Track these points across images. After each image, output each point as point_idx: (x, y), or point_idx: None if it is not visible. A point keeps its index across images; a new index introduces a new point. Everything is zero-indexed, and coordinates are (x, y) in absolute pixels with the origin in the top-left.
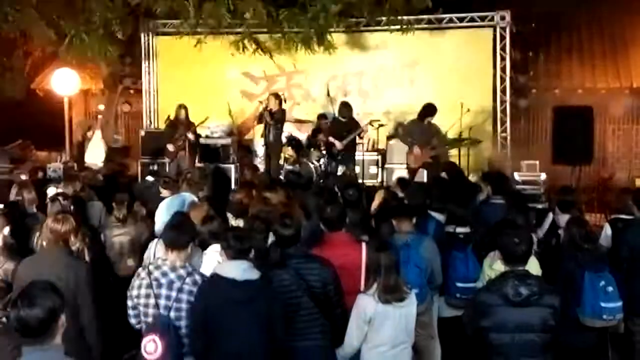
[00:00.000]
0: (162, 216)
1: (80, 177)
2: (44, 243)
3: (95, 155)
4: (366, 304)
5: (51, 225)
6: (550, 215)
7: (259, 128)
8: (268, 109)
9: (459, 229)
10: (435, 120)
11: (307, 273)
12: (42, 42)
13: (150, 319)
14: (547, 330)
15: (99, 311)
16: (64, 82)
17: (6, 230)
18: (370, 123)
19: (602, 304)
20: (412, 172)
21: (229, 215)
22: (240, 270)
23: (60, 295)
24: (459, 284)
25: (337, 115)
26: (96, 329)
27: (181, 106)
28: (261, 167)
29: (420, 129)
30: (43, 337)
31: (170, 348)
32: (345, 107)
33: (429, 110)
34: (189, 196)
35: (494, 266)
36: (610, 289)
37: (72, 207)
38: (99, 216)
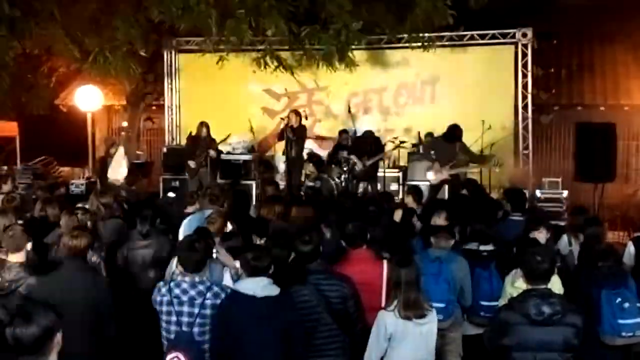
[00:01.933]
0: (184, 233)
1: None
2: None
3: (117, 171)
4: (387, 320)
5: (68, 241)
6: (565, 237)
7: (280, 144)
8: (289, 125)
9: (483, 247)
10: None
11: (327, 289)
12: (67, 60)
13: (172, 336)
14: (570, 350)
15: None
16: (88, 99)
17: (29, 245)
18: (394, 142)
19: (620, 321)
20: (433, 188)
21: (253, 235)
22: (260, 286)
23: (57, 313)
24: (484, 303)
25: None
26: (113, 341)
27: (202, 124)
28: (282, 183)
29: (442, 145)
30: (37, 356)
31: None
32: (368, 132)
33: (457, 133)
34: (209, 213)
35: (516, 284)
36: (627, 305)
37: (89, 222)
38: (117, 232)
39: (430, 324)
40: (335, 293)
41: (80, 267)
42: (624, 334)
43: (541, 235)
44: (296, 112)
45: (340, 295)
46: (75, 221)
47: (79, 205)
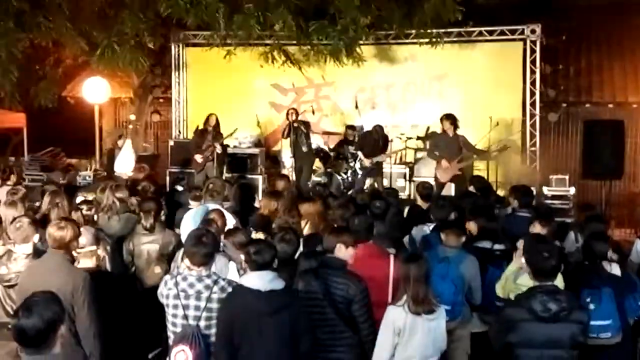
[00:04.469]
0: (187, 227)
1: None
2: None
3: (124, 164)
4: (396, 315)
5: (53, 232)
6: (572, 234)
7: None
8: (296, 120)
9: (497, 246)
10: (464, 133)
11: (333, 286)
12: (74, 52)
13: (178, 329)
14: (576, 347)
15: (96, 318)
16: (95, 91)
17: (36, 237)
18: (401, 138)
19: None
20: (441, 185)
21: (252, 229)
22: (264, 280)
23: (61, 306)
24: (498, 303)
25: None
26: (92, 336)
27: (211, 115)
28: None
29: (445, 141)
30: (41, 347)
31: (200, 358)
32: (379, 128)
33: (447, 119)
34: (212, 207)
35: (519, 280)
36: (592, 306)
37: (95, 216)
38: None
39: (438, 320)
40: (340, 292)
41: (61, 258)
42: (591, 334)
43: (535, 230)
44: (295, 110)
45: (344, 295)
46: (80, 215)
47: (83, 198)
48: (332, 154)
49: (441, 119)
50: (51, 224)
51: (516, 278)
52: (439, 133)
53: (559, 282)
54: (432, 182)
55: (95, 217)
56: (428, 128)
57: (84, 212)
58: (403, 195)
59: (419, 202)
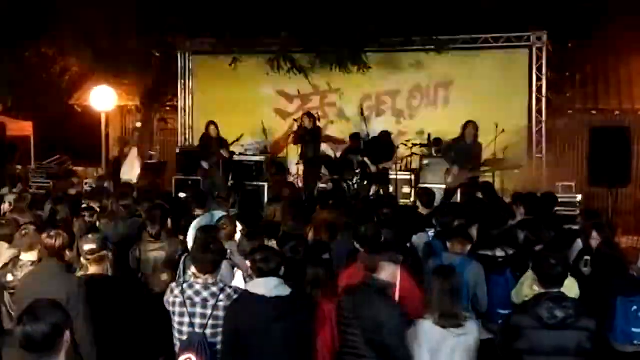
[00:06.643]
0: (193, 235)
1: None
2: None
3: (131, 171)
4: (427, 329)
5: (45, 240)
6: (579, 241)
7: (293, 145)
8: (303, 127)
9: (499, 253)
10: None
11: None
12: (81, 60)
13: (184, 337)
14: (583, 354)
15: (92, 326)
16: (102, 99)
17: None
18: (407, 144)
19: (633, 329)
20: (450, 192)
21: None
22: (270, 287)
23: (64, 311)
24: (501, 311)
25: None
26: (90, 343)
27: (211, 122)
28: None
29: (462, 147)
30: (47, 353)
31: None
32: (385, 134)
33: (464, 126)
34: (218, 214)
35: (535, 287)
36: None
37: (98, 222)
38: (138, 231)
39: (467, 336)
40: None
41: (55, 266)
42: (635, 342)
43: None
44: (309, 115)
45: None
46: (82, 222)
47: (85, 205)
48: (337, 161)
49: (465, 125)
50: (44, 232)
51: (532, 285)
52: (456, 139)
53: (574, 289)
54: (437, 187)
55: (98, 224)
56: (429, 135)
57: (87, 218)
58: (408, 202)
59: (420, 208)
